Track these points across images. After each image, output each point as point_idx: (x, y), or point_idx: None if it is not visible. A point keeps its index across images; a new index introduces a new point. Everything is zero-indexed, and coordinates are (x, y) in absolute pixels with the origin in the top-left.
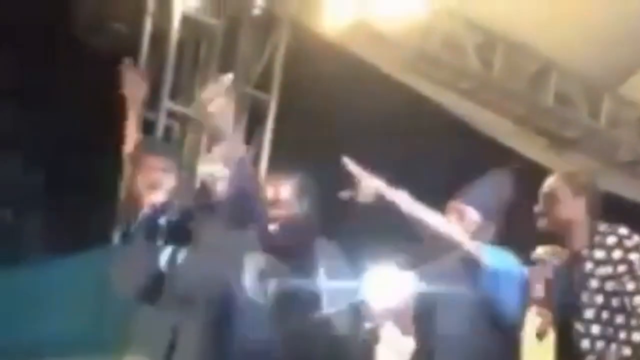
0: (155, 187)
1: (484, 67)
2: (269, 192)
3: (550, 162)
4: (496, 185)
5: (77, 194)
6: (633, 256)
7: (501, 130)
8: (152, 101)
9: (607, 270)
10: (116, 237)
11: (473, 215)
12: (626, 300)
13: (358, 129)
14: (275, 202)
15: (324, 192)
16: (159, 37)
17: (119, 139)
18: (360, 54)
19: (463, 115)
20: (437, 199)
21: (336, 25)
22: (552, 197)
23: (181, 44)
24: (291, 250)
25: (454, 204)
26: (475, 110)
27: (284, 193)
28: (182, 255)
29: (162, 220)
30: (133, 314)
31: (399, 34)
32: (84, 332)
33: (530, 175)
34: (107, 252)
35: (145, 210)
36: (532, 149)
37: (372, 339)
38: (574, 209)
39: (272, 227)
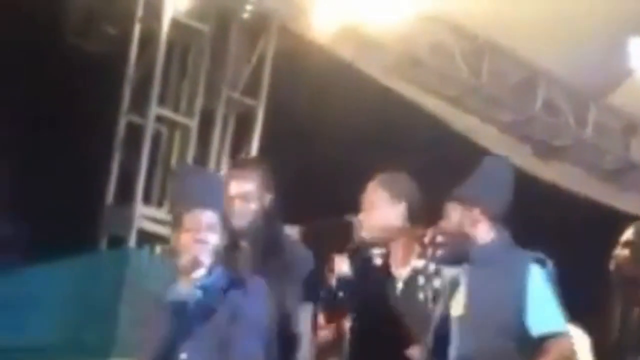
0: None
1: (472, 74)
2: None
3: (535, 170)
4: (483, 172)
5: (64, 199)
6: None
7: (486, 137)
8: (141, 106)
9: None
10: (103, 242)
11: (453, 209)
12: None
13: (346, 134)
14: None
15: (310, 194)
16: (148, 40)
17: (108, 140)
18: (349, 59)
19: (450, 121)
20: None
21: (325, 30)
22: (368, 202)
23: (170, 48)
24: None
25: (451, 205)
26: (461, 116)
27: (234, 189)
28: None
29: None
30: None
31: (387, 39)
32: (72, 336)
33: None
34: (94, 257)
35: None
36: (517, 156)
37: None
38: (390, 216)
39: None
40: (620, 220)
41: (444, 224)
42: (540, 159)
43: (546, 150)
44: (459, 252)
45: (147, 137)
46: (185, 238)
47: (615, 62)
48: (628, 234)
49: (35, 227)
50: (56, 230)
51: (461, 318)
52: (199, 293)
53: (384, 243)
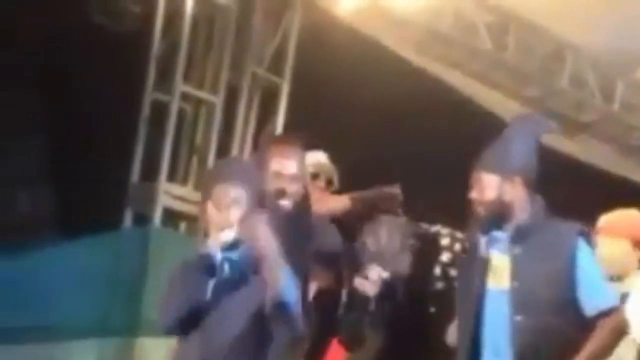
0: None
1: (496, 48)
2: (276, 166)
3: (561, 145)
4: (514, 137)
5: (89, 177)
6: None
7: (511, 111)
8: (165, 83)
9: None
10: (128, 220)
11: (489, 180)
12: None
13: (370, 110)
14: (282, 176)
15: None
16: (173, 17)
17: (133, 118)
18: (373, 34)
19: (474, 95)
20: (448, 179)
21: (348, 6)
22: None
23: (195, 25)
24: None
25: (487, 176)
26: (486, 91)
27: (291, 168)
28: None
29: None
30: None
31: (411, 14)
32: (96, 315)
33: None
34: (118, 235)
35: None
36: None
37: None
38: None
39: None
40: None
41: (481, 195)
42: (566, 135)
43: (572, 126)
44: (497, 223)
45: (172, 114)
46: (211, 208)
47: None
48: None
49: (60, 205)
50: (81, 209)
51: (509, 292)
52: (225, 263)
53: None
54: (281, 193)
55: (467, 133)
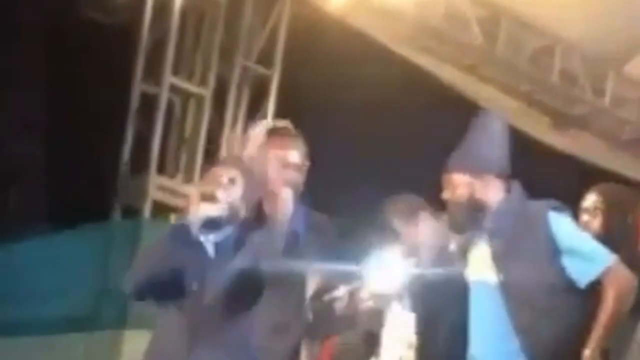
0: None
1: (487, 42)
2: (281, 155)
3: (552, 139)
4: (479, 135)
5: (78, 169)
6: None
7: (502, 106)
8: (154, 75)
9: None
10: (117, 213)
11: (460, 179)
12: None
13: (359, 103)
14: (288, 165)
15: (324, 164)
16: (162, 9)
17: (122, 110)
18: (363, 27)
19: (464, 90)
20: (437, 175)
21: None
22: None
23: (184, 17)
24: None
25: (457, 176)
26: (476, 85)
27: (295, 158)
28: None
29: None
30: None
31: (402, 8)
32: (86, 308)
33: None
34: (108, 228)
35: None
36: (534, 125)
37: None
38: None
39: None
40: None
41: (453, 195)
42: (557, 129)
43: (563, 120)
44: (475, 220)
45: (161, 106)
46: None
47: (634, 30)
48: (592, 200)
49: (49, 198)
50: (70, 201)
51: (497, 283)
52: (209, 245)
53: None
54: (285, 181)
55: (457, 127)
